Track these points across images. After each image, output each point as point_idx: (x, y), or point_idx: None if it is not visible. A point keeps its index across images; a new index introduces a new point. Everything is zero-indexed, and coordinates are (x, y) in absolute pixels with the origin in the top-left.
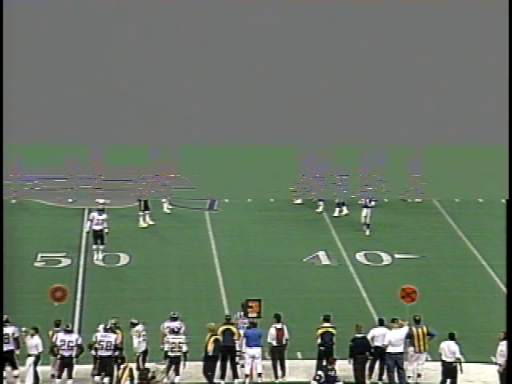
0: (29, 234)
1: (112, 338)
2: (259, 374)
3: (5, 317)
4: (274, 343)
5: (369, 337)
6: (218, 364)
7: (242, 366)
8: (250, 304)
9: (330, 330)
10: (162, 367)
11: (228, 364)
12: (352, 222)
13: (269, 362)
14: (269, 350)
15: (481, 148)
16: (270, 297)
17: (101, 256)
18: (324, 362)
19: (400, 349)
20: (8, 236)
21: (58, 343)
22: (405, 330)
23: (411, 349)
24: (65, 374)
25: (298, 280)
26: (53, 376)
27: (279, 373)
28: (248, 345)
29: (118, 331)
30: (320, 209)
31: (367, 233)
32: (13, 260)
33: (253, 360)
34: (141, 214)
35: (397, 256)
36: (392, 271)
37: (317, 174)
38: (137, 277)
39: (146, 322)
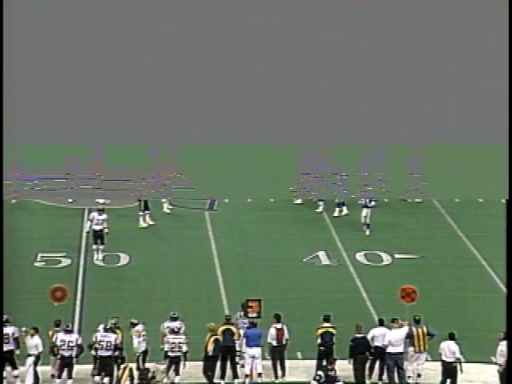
0: (29, 234)
1: (112, 338)
2: (259, 374)
3: (5, 317)
4: (274, 343)
5: (369, 337)
6: (218, 364)
7: (242, 366)
8: (249, 304)
9: (330, 329)
10: (162, 367)
11: (228, 364)
12: (352, 222)
13: (269, 362)
14: (269, 350)
15: (481, 148)
16: (270, 297)
17: (101, 256)
18: (324, 362)
19: (400, 349)
20: (8, 236)
21: (58, 343)
22: (405, 329)
23: (411, 349)
24: (65, 374)
25: (298, 280)
26: (53, 376)
27: (279, 373)
28: (248, 345)
29: (118, 331)
30: (320, 209)
31: (367, 233)
32: (13, 260)
33: (253, 360)
34: (141, 213)
35: (397, 256)
36: (392, 271)
37: (317, 174)
38: (137, 277)
39: (145, 322)
